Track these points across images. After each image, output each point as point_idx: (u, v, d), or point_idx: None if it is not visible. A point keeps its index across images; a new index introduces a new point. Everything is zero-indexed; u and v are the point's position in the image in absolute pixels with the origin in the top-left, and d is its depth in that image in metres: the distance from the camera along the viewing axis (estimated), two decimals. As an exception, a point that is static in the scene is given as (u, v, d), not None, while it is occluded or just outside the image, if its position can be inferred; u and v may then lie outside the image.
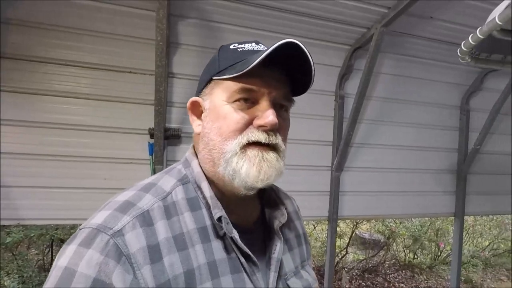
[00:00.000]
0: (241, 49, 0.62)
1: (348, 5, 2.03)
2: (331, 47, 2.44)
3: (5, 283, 3.04)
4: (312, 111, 2.56)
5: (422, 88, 2.82)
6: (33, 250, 4.18)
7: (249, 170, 0.57)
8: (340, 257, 5.21)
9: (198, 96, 0.68)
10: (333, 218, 2.68)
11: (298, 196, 2.80)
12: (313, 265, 1.01)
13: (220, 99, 0.61)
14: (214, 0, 1.95)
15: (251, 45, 0.63)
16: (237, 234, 0.60)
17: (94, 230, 0.52)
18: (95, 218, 0.54)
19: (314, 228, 5.84)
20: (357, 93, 2.36)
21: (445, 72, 2.82)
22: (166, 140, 2.15)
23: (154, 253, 0.53)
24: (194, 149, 0.68)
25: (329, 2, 2.00)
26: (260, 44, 0.65)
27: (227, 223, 0.59)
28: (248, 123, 0.59)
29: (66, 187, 2.00)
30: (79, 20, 1.92)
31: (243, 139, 0.58)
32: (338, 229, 3.89)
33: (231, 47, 0.64)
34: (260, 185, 0.59)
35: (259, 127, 0.59)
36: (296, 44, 0.55)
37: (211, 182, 0.64)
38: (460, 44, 1.28)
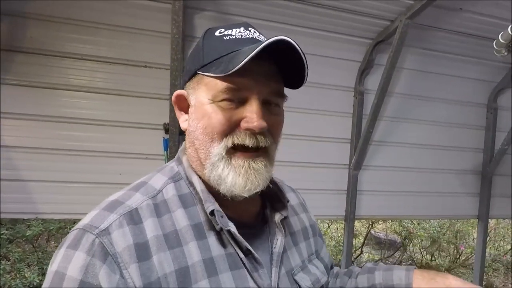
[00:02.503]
0: (228, 38, 0.57)
1: (371, -4, 1.93)
2: (351, 40, 2.34)
3: (26, 274, 3.12)
4: (330, 108, 2.47)
5: (446, 84, 2.69)
6: (53, 242, 4.27)
7: (235, 180, 0.55)
8: (355, 256, 5.11)
9: (183, 89, 0.64)
10: (350, 217, 2.60)
11: (314, 195, 2.73)
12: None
13: (205, 96, 0.57)
14: (231, -8, 1.90)
15: (239, 31, 0.58)
16: (234, 227, 0.57)
17: (80, 231, 0.52)
18: (84, 219, 0.54)
19: (329, 226, 5.75)
20: (378, 89, 2.26)
21: (472, 68, 2.67)
22: (181, 135, 2.12)
23: (141, 251, 0.51)
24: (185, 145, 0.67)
25: (351, -7, 1.92)
26: (249, 29, 0.60)
27: (221, 216, 0.56)
28: (235, 125, 0.56)
29: (81, 181, 2.00)
30: (95, 13, 1.91)
31: (228, 141, 0.56)
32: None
33: (217, 33, 0.59)
34: (246, 194, 0.57)
35: (246, 130, 0.55)
36: (288, 41, 0.51)
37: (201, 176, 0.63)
38: (496, 37, 1.19)
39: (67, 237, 0.53)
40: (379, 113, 2.38)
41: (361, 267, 0.80)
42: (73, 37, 1.91)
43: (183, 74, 0.66)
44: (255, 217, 0.67)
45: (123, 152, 2.07)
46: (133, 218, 0.54)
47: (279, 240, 0.64)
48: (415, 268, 0.70)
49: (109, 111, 2.03)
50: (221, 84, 0.55)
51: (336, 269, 0.85)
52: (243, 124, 0.55)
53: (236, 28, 0.59)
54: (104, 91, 2.01)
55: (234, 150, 0.56)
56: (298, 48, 0.52)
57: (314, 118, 2.44)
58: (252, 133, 0.55)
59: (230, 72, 0.51)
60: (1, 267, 2.97)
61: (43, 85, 1.90)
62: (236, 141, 0.55)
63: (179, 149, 0.67)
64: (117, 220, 0.53)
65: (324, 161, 2.52)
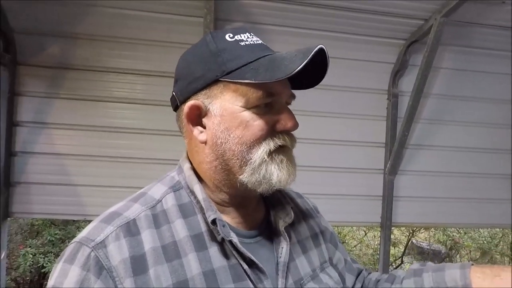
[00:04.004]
0: (244, 43, 0.57)
1: (402, -4, 1.89)
2: (383, 42, 2.29)
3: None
4: (363, 111, 2.42)
5: (488, 82, 2.51)
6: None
7: (280, 177, 0.57)
8: (394, 266, 4.87)
9: (188, 96, 0.60)
10: (386, 224, 2.51)
11: (347, 200, 2.66)
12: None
13: (235, 104, 0.56)
14: (259, 1, 1.96)
15: (247, 37, 0.59)
16: (236, 238, 0.56)
17: (77, 244, 0.51)
18: (83, 231, 0.54)
19: (365, 234, 5.54)
20: (413, 90, 2.18)
21: (519, 64, 2.48)
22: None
23: (138, 264, 0.50)
24: (187, 154, 0.65)
25: (381, -5, 1.89)
26: (251, 34, 0.60)
27: (223, 226, 0.55)
28: (271, 128, 0.57)
29: (124, 186, 2.15)
30: (133, 30, 2.07)
31: (270, 145, 0.56)
32: (392, 236, 3.64)
33: (229, 38, 0.57)
34: (288, 186, 0.59)
35: (283, 131, 0.58)
36: (323, 49, 0.53)
37: (205, 185, 0.61)
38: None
39: (65, 251, 0.52)
40: (415, 115, 2.29)
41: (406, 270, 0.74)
42: (114, 53, 2.09)
43: (184, 82, 0.61)
44: (259, 225, 0.65)
45: (162, 159, 2.19)
46: (131, 229, 0.53)
47: (284, 249, 0.62)
48: (472, 265, 0.61)
49: (149, 120, 2.16)
50: (256, 91, 0.55)
51: (374, 275, 0.79)
52: (280, 127, 0.57)
53: (242, 34, 0.59)
54: (144, 102, 2.16)
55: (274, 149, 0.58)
56: (327, 56, 0.54)
57: (347, 122, 2.41)
58: (288, 133, 0.59)
59: (280, 79, 0.52)
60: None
61: (90, 98, 2.09)
62: (279, 143, 0.57)
63: (180, 159, 0.66)
64: (113, 232, 0.52)
65: (357, 166, 2.46)
